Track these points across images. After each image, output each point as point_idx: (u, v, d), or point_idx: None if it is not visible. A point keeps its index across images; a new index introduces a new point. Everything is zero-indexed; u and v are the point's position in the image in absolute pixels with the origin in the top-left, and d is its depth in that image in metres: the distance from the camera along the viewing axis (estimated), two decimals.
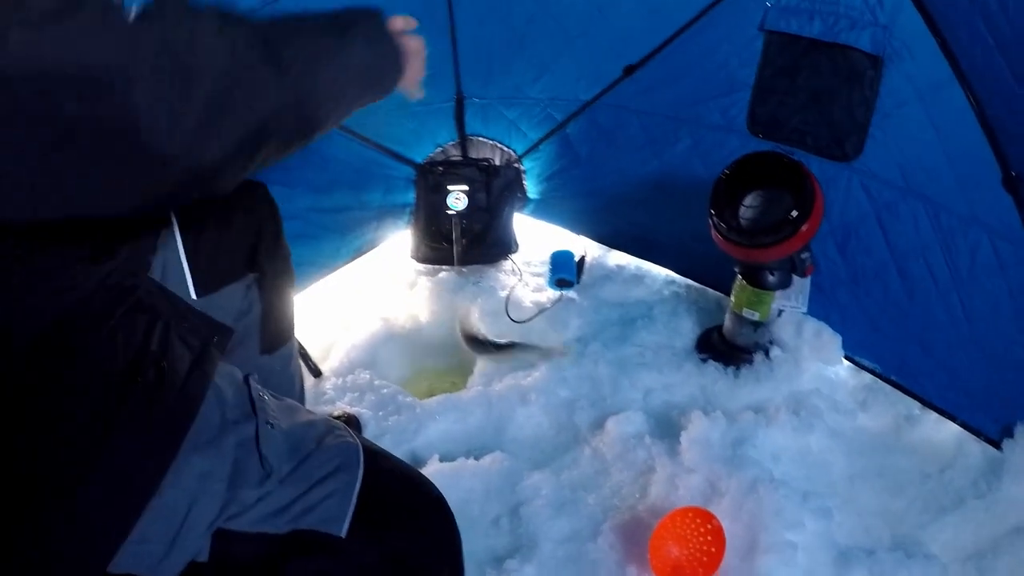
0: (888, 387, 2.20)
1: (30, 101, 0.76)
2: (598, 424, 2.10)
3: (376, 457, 1.27)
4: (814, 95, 2.18)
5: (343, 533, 1.14)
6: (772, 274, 2.09)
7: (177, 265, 1.37)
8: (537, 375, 2.27)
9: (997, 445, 1.96)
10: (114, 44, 0.80)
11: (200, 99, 0.87)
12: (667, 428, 2.07)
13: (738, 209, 2.03)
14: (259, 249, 1.62)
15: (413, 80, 1.30)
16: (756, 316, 2.16)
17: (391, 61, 1.24)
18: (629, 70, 2.54)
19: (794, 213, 1.90)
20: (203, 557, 1.07)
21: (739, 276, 2.16)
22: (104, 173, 0.86)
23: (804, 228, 1.91)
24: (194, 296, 1.39)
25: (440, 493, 1.34)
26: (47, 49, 0.75)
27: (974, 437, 2.02)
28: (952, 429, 2.06)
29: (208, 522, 1.07)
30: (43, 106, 0.77)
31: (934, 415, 2.11)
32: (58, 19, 0.76)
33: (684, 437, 1.96)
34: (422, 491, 1.32)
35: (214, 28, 0.91)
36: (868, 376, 2.25)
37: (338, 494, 1.18)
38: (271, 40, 0.99)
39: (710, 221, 2.05)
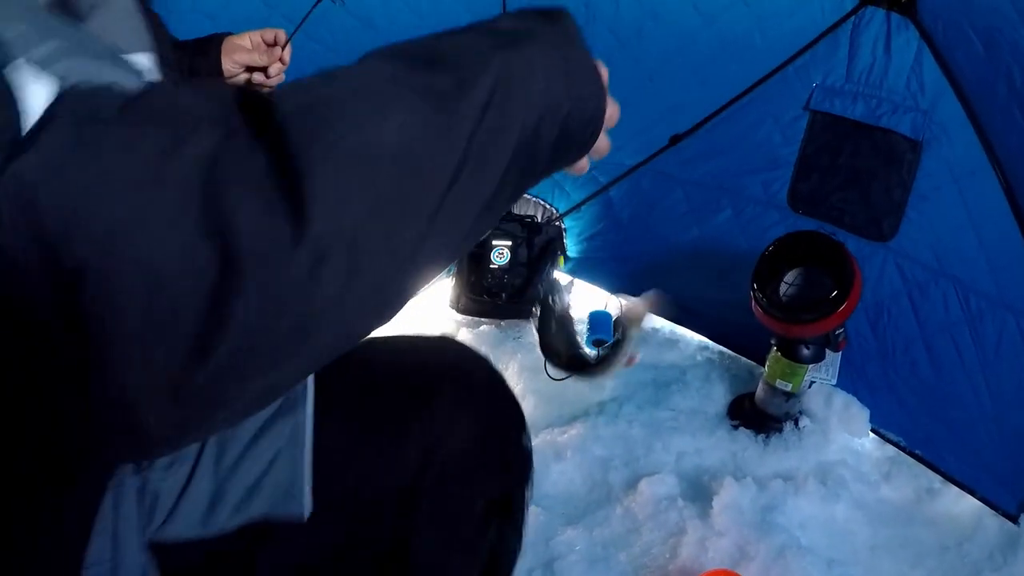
0: (911, 460, 2.24)
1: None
2: (631, 484, 2.13)
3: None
4: (854, 175, 2.24)
5: (304, 512, 0.94)
6: (807, 348, 2.14)
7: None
8: (573, 432, 2.31)
9: (1015, 520, 2.00)
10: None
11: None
12: (698, 491, 2.10)
13: (779, 285, 2.08)
14: None
15: (604, 148, 0.79)
16: (789, 387, 2.21)
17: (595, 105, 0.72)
18: (675, 139, 2.61)
19: (834, 293, 1.96)
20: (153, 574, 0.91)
21: (775, 348, 2.21)
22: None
23: (843, 307, 1.96)
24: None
25: (460, 357, 1.24)
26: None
27: (992, 511, 2.05)
28: (971, 503, 2.10)
29: (137, 537, 0.89)
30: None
31: (954, 489, 2.14)
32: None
33: (716, 501, 1.99)
34: (425, 382, 1.15)
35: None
36: (891, 448, 2.29)
37: (284, 455, 0.95)
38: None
39: (752, 294, 2.11)
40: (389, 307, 0.59)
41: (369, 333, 0.60)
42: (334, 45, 2.46)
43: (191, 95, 0.55)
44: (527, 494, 1.27)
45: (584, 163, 0.81)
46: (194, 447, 0.95)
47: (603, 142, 0.78)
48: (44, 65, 0.54)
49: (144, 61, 0.78)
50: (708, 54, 2.41)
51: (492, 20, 0.69)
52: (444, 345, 1.32)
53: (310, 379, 1.01)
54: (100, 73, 0.59)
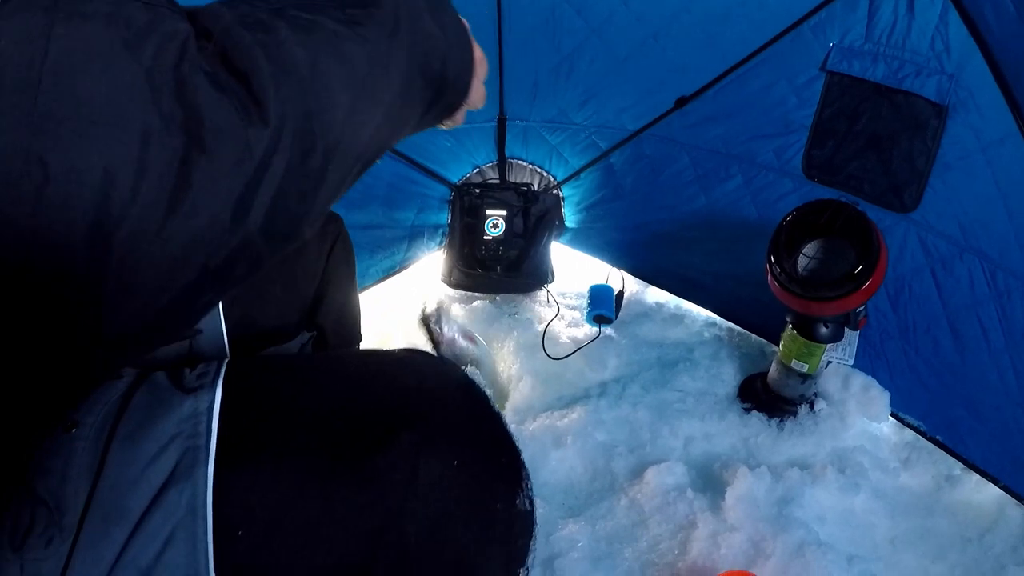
0: (929, 445, 2.14)
1: None
2: (636, 473, 2.03)
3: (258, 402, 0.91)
4: (874, 141, 2.12)
5: None
6: (826, 326, 2.02)
7: (212, 316, 1.09)
8: (573, 416, 2.20)
9: None
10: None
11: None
12: (709, 481, 2.00)
13: (798, 258, 1.96)
14: (322, 303, 1.40)
15: (479, 98, 0.97)
16: (805, 368, 2.09)
17: (460, 58, 0.88)
18: (681, 102, 2.47)
19: (859, 268, 1.84)
20: None
21: (790, 326, 2.09)
22: None
23: (868, 284, 1.84)
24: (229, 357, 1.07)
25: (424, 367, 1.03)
26: None
27: (1015, 501, 1.96)
28: (992, 491, 2.01)
29: None
30: None
31: (975, 476, 2.05)
32: None
33: (729, 493, 1.89)
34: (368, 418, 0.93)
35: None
36: (910, 433, 2.19)
37: (180, 533, 0.81)
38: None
39: (768, 268, 1.98)
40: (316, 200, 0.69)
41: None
42: None
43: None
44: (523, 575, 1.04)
45: (460, 116, 0.96)
46: (74, 519, 0.79)
47: (478, 91, 0.95)
48: None
49: None
50: (717, 11, 2.27)
51: None
52: (411, 366, 1.05)
53: (214, 429, 0.86)
54: None
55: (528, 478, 1.04)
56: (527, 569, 1.03)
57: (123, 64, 0.53)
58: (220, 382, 0.91)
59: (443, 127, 0.99)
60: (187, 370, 0.95)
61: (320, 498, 0.87)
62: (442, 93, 0.85)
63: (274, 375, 1.03)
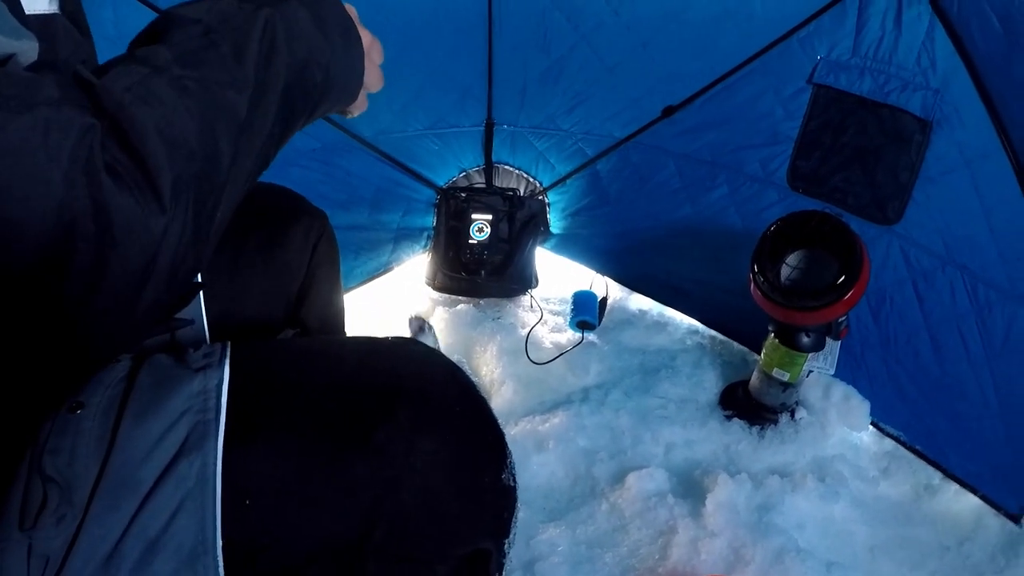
0: (909, 455, 2.16)
1: None
2: (617, 478, 2.03)
3: (262, 389, 0.94)
4: (859, 154, 2.13)
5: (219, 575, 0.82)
6: (808, 336, 2.03)
7: (194, 307, 1.09)
8: (555, 421, 2.20)
9: (1016, 520, 1.93)
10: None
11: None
12: (689, 487, 2.00)
13: (781, 267, 1.97)
14: (306, 299, 1.42)
15: (374, 82, 0.99)
16: (786, 377, 2.11)
17: (345, 57, 0.89)
18: (669, 111, 2.48)
19: (841, 279, 1.85)
20: None
21: (772, 335, 2.10)
22: None
23: (850, 295, 1.86)
24: None
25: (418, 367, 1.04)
26: None
27: (993, 510, 1.98)
28: (971, 501, 2.02)
29: None
30: None
31: (954, 485, 2.06)
32: None
33: (710, 500, 1.89)
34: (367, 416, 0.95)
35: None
36: (890, 442, 2.20)
37: (189, 504, 0.83)
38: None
39: (751, 277, 2.00)
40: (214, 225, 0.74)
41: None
42: None
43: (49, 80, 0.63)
44: (506, 547, 1.06)
45: (361, 102, 0.99)
46: (84, 496, 0.80)
47: (373, 75, 0.96)
48: None
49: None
50: (706, 21, 2.28)
51: None
52: (404, 351, 1.10)
53: (223, 404, 0.88)
54: None
55: (511, 456, 1.08)
56: (510, 543, 1.06)
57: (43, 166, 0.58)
58: (227, 361, 0.93)
59: (346, 116, 1.02)
60: (191, 350, 0.98)
61: (323, 469, 0.90)
62: (325, 98, 0.88)
63: (277, 356, 1.07)
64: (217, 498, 0.83)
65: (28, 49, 0.74)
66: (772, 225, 2.01)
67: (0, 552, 0.76)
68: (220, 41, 0.73)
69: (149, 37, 0.74)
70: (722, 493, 1.90)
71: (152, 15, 0.79)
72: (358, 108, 1.00)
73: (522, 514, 1.82)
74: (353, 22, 0.89)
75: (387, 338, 1.14)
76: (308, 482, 0.90)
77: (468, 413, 1.05)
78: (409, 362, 1.07)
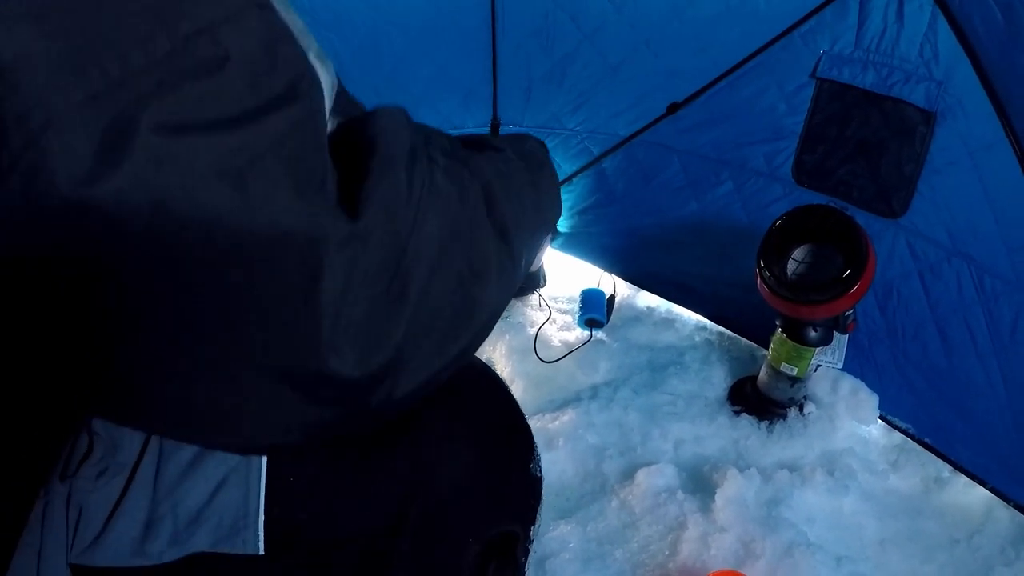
0: (918, 448, 2.15)
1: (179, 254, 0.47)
2: (627, 475, 2.04)
3: None
4: (863, 147, 2.13)
5: (255, 551, 0.83)
6: (815, 330, 2.03)
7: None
8: (564, 418, 2.21)
9: None
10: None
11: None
12: (699, 483, 2.01)
13: (787, 262, 1.97)
14: None
15: None
16: (794, 371, 2.11)
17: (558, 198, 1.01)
18: (673, 108, 2.48)
19: (847, 272, 1.85)
20: None
21: (780, 330, 2.10)
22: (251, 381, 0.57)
23: (856, 288, 1.85)
24: None
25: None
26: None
27: (1003, 503, 1.98)
28: (981, 493, 2.02)
29: (63, 556, 0.78)
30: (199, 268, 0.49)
31: (963, 478, 2.06)
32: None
33: (719, 495, 1.90)
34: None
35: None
36: (898, 435, 2.20)
37: (233, 479, 0.84)
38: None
39: (757, 272, 2.00)
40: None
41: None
42: None
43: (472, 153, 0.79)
44: (532, 533, 1.11)
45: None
46: (130, 457, 0.81)
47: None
48: (317, 58, 0.63)
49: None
50: (709, 18, 2.28)
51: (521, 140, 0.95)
52: None
53: None
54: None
55: (537, 449, 1.14)
56: (536, 531, 1.12)
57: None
58: None
59: None
60: None
61: (363, 457, 0.94)
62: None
63: None
64: (262, 476, 0.84)
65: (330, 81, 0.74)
66: (777, 220, 2.01)
67: (45, 506, 0.76)
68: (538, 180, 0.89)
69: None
70: (731, 488, 1.91)
71: None
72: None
73: None
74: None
75: None
76: (348, 468, 0.93)
77: (498, 406, 1.11)
78: None
